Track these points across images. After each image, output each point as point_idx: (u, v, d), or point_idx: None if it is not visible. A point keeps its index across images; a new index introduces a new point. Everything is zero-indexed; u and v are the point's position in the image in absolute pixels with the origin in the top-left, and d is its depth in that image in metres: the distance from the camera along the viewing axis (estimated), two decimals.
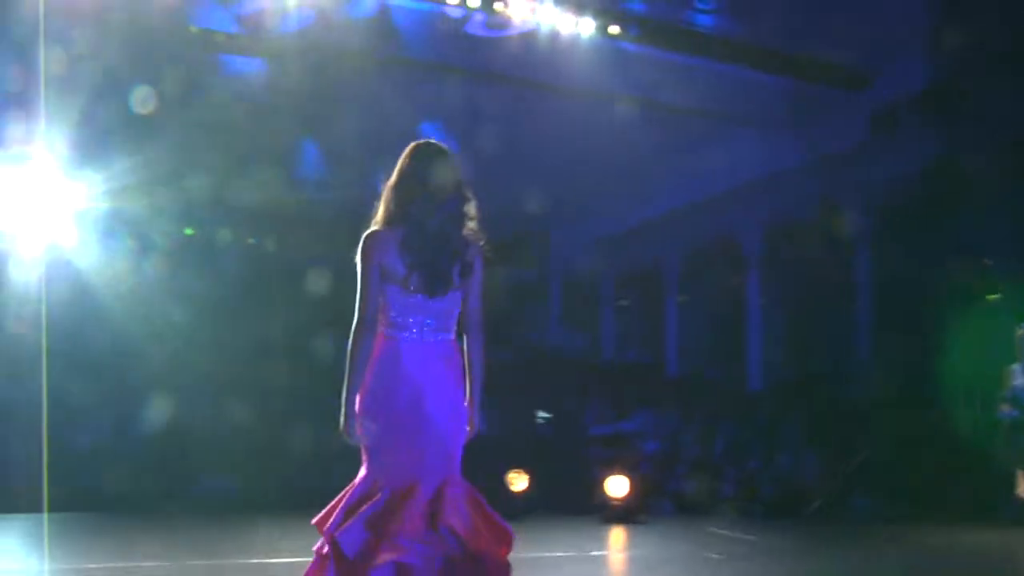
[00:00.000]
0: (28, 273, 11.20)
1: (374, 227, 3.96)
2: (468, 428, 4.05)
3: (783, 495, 11.16)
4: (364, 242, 3.92)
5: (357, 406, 3.92)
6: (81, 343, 11.49)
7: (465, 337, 4.06)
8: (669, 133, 14.32)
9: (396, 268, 3.89)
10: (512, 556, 4.00)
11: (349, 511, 3.83)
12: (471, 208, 4.05)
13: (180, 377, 11.59)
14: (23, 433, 10.38)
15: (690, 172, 14.75)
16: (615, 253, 16.59)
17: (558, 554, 8.17)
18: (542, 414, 13.01)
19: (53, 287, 10.96)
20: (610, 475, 10.06)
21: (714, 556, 7.69)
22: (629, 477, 10.08)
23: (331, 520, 3.83)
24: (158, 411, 11.28)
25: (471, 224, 4.04)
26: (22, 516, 9.56)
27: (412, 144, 4.06)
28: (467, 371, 4.04)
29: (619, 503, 9.96)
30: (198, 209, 13.76)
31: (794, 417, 12.69)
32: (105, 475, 10.35)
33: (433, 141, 4.09)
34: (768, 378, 14.52)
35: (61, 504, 9.32)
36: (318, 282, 12.25)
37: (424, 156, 4.00)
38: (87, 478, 10.51)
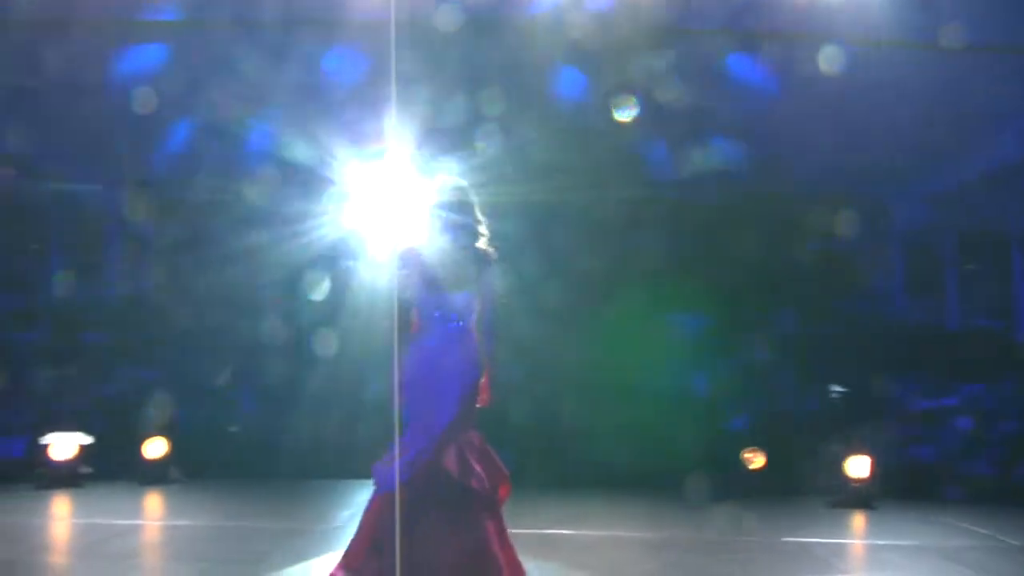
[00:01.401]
0: (381, 268, 12.56)
1: (408, 245, 5.35)
2: (483, 397, 5.25)
3: None
4: (402, 256, 5.29)
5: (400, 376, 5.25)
6: None
7: (482, 326, 5.26)
8: (1008, 77, 12.77)
9: (426, 273, 5.22)
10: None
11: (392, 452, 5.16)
12: (482, 229, 5.35)
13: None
14: (376, 414, 11.70)
15: None
16: (958, 212, 15.02)
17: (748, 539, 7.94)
18: (836, 388, 12.28)
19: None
20: (851, 455, 9.38)
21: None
22: (871, 457, 9.33)
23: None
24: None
25: (482, 240, 5.32)
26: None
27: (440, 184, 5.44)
28: (482, 353, 5.22)
29: (858, 485, 9.27)
30: (540, 208, 14.61)
31: None
32: None
33: (455, 181, 5.48)
34: None
35: None
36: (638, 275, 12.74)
37: (444, 192, 5.37)
38: None
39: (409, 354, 5.23)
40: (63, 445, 9.43)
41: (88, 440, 9.60)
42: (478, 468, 5.09)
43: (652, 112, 14.00)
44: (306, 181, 14.57)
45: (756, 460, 9.77)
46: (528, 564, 5.92)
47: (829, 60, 12.54)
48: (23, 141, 15.24)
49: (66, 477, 9.35)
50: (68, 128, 15.05)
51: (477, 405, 5.25)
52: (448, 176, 5.53)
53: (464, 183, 5.44)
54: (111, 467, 10.05)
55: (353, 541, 5.31)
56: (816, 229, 14.73)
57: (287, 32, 12.86)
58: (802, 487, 9.86)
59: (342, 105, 13.13)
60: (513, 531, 7.17)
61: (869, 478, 9.31)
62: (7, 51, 12.57)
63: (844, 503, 9.27)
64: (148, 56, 13.94)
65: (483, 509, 5.10)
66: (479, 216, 5.36)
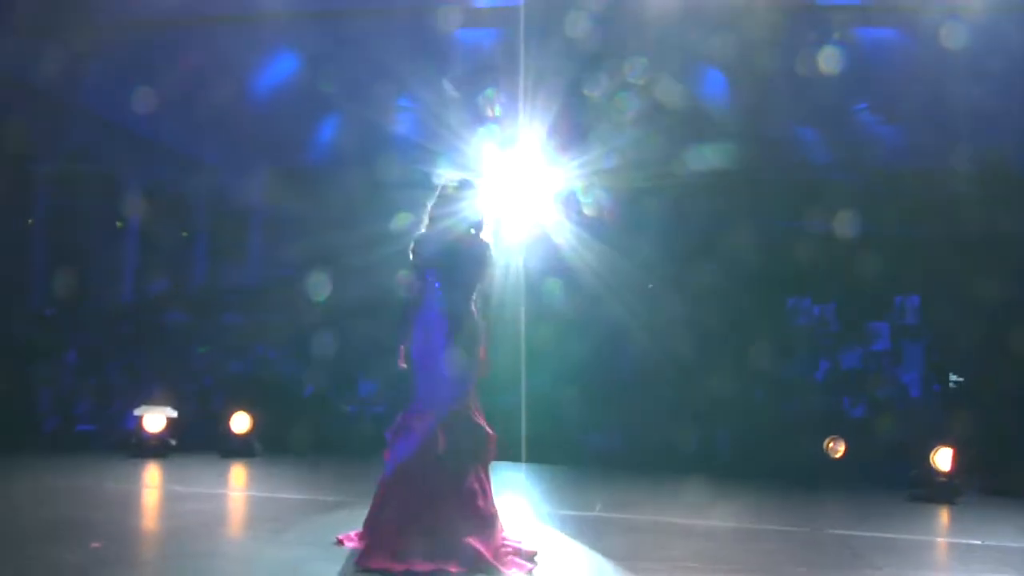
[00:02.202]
0: (512, 253, 12.62)
1: (419, 232, 5.92)
2: (481, 369, 5.89)
3: None
4: (413, 243, 5.89)
5: (406, 353, 5.91)
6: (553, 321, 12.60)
7: (480, 309, 5.87)
8: None
9: (432, 258, 5.80)
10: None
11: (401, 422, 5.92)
12: (484, 220, 5.94)
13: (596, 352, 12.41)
14: (508, 395, 11.72)
15: None
16: None
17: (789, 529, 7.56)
18: (954, 377, 11.49)
19: (533, 266, 12.31)
20: (938, 447, 8.75)
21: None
22: (954, 449, 8.68)
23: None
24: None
25: (481, 231, 5.92)
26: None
27: (442, 182, 6.02)
28: (484, 330, 5.87)
29: (943, 478, 8.64)
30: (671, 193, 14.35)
31: None
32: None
33: (456, 178, 6.03)
34: None
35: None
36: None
37: (446, 188, 5.94)
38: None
39: (415, 337, 5.84)
40: (153, 418, 9.97)
41: (174, 414, 10.11)
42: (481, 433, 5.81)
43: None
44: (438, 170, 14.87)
45: (838, 449, 9.25)
46: (547, 545, 6.23)
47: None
48: (175, 132, 16.33)
49: (155, 448, 9.89)
50: (213, 119, 15.95)
51: (477, 376, 5.90)
52: (453, 170, 6.24)
53: (468, 177, 5.98)
54: (208, 440, 10.56)
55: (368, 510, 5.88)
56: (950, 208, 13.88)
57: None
58: (889, 478, 9.28)
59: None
60: (563, 514, 7.43)
61: (952, 471, 8.67)
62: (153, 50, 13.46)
63: (926, 497, 8.69)
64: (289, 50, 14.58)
65: (480, 470, 5.78)
66: (481, 208, 5.91)
